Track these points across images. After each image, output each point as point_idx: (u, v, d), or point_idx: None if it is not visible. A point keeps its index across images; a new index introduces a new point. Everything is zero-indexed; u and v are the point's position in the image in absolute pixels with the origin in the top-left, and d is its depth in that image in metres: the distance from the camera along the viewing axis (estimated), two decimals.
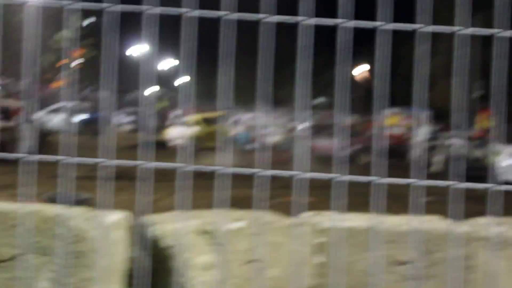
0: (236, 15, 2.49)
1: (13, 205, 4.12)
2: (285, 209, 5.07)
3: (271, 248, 4.21)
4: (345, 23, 2.76)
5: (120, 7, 1.97)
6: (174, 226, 4.07)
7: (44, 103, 41.25)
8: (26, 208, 4.00)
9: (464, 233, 4.44)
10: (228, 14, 2.49)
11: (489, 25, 3.78)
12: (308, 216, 4.41)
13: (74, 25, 62.54)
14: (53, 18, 55.05)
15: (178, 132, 31.19)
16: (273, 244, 4.20)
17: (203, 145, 30.45)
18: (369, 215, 4.44)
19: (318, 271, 4.42)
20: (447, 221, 4.59)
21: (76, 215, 4.03)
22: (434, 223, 4.55)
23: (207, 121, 32.69)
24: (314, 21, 2.76)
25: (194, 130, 31.37)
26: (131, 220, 4.20)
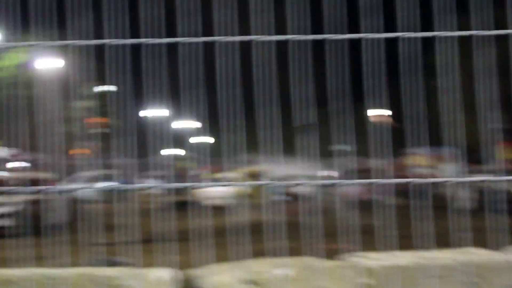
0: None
1: (62, 270, 4.17)
2: (329, 255, 5.08)
3: None
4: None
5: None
6: (221, 277, 4.09)
7: (67, 173, 41.54)
8: (75, 271, 4.04)
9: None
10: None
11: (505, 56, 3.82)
12: (354, 257, 4.41)
13: (87, 93, 63.35)
14: (67, 88, 55.86)
15: (217, 191, 31.01)
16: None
17: (253, 201, 30.44)
18: (414, 252, 4.44)
19: None
20: (492, 251, 4.57)
21: (123, 274, 4.07)
22: (480, 254, 4.53)
23: (252, 177, 32.69)
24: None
25: (238, 188, 31.11)
26: (176, 276, 4.23)
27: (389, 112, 64.88)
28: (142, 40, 2.40)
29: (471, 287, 4.44)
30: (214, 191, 30.98)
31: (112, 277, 4.13)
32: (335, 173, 44.31)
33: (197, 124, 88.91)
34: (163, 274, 4.20)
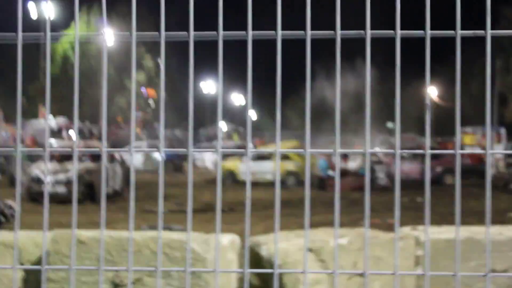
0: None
1: (133, 233, 4.43)
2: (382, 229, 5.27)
3: (374, 262, 4.41)
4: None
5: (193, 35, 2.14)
6: (282, 245, 4.32)
7: (121, 143, 42.26)
8: (147, 235, 4.30)
9: None
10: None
11: None
12: (407, 230, 4.61)
13: (145, 65, 64.14)
14: (126, 59, 56.62)
15: (263, 166, 30.50)
16: (376, 258, 4.41)
17: (300, 178, 30.42)
18: (463, 227, 4.60)
19: (419, 283, 4.60)
20: None
21: (192, 239, 4.33)
22: None
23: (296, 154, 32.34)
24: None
25: (287, 163, 30.86)
26: (240, 242, 4.48)
27: (439, 91, 64.20)
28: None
29: None
30: (259, 166, 30.66)
31: (175, 240, 4.36)
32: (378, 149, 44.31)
33: (242, 99, 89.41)
34: (226, 239, 4.45)
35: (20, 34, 2.13)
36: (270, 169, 29.70)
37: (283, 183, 29.42)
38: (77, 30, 2.26)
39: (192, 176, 2.40)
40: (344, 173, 27.27)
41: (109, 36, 2.30)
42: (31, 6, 52.59)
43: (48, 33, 2.15)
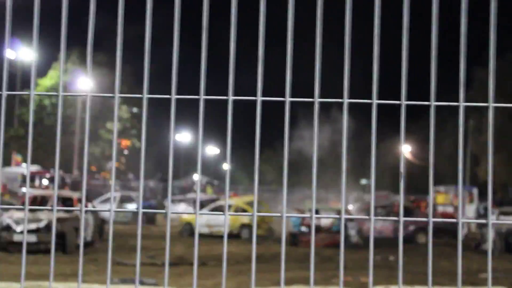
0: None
1: (91, 286, 4.38)
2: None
3: None
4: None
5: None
6: None
7: (93, 193, 41.96)
8: None
9: None
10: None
11: None
12: None
13: (120, 117, 64.19)
14: (100, 110, 56.61)
15: (219, 220, 31.14)
16: None
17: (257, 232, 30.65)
18: None
19: None
20: None
21: None
22: None
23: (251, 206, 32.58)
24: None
25: (243, 217, 31.18)
26: None
27: (410, 149, 64.73)
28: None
29: None
30: (213, 218, 31.46)
31: None
32: (351, 207, 44.42)
33: (217, 151, 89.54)
34: None
35: (4, 92, 2.14)
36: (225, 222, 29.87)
37: (238, 236, 29.72)
38: (61, 90, 2.28)
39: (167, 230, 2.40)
40: (317, 229, 27.23)
41: (90, 94, 2.32)
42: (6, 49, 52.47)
43: (32, 93, 2.16)
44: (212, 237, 28.03)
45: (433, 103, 2.14)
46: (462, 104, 2.15)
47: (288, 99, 2.10)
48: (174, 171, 72.35)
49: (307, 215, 2.23)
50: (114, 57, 2.25)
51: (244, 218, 31.32)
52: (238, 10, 2.21)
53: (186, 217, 32.22)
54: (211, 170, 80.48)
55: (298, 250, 23.47)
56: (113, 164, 2.53)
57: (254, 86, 2.17)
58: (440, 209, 39.92)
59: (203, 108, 2.18)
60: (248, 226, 31.28)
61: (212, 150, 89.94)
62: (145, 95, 2.19)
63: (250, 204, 32.82)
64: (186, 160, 74.23)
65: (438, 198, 43.02)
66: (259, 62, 2.14)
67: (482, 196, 43.80)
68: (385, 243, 19.20)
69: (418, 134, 47.11)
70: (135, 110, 67.57)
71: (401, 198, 2.17)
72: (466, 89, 2.20)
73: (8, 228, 21.17)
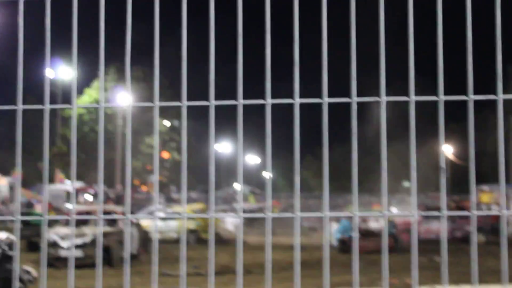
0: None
1: None
2: None
3: None
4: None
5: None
6: None
7: (136, 207, 42.30)
8: None
9: None
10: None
11: None
12: None
13: (160, 129, 64.62)
14: (139, 122, 57.05)
15: (170, 225, 32.97)
16: None
17: (199, 236, 32.11)
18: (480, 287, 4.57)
19: None
20: None
21: None
22: None
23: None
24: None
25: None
26: None
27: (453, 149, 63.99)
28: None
29: None
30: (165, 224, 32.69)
31: None
32: (395, 210, 44.09)
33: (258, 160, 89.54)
34: None
35: (47, 105, 2.19)
36: (175, 228, 32.54)
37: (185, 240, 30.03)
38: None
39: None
40: (369, 234, 26.85)
41: (130, 105, 2.36)
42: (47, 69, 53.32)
43: (74, 106, 2.21)
44: (259, 247, 27.44)
45: (471, 96, 2.12)
46: (500, 96, 2.13)
47: (326, 100, 2.10)
48: (216, 181, 72.38)
49: (350, 214, 2.25)
50: (151, 72, 2.28)
51: (190, 224, 32.59)
52: (270, 16, 2.23)
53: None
54: (253, 179, 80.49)
55: (345, 255, 23.30)
56: (155, 175, 2.56)
57: (291, 91, 2.18)
58: (485, 208, 39.43)
59: (241, 113, 2.20)
60: (194, 232, 32.83)
61: (253, 159, 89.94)
62: (185, 103, 2.22)
63: (196, 211, 34.87)
64: (228, 170, 74.34)
65: (483, 197, 42.47)
66: (295, 66, 2.16)
67: None
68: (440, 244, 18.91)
69: (460, 134, 46.62)
70: (173, 123, 67.96)
71: (443, 194, 2.16)
72: (504, 84, 2.17)
73: (54, 244, 21.44)
